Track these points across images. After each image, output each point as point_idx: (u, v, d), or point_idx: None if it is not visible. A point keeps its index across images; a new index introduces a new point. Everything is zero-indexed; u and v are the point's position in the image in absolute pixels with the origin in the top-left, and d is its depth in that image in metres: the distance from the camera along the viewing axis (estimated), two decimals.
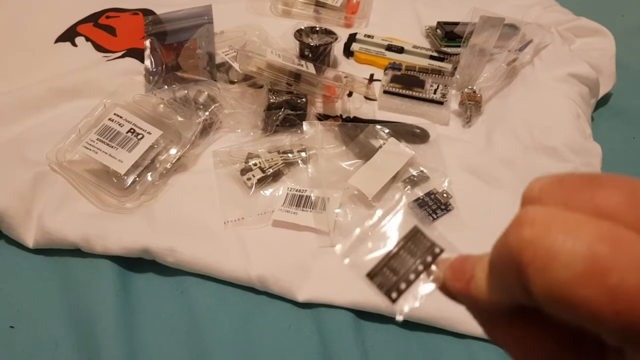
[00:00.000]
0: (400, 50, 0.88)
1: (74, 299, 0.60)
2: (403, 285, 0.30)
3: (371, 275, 0.31)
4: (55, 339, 0.57)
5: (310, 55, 0.82)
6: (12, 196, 0.64)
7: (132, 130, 0.68)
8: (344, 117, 0.77)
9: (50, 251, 0.63)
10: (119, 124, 0.68)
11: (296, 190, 0.68)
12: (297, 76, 0.75)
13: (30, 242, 0.63)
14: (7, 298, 0.60)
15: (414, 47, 0.89)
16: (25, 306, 0.59)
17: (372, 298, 0.59)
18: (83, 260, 0.62)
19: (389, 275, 0.30)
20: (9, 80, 0.79)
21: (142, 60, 0.83)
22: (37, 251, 0.63)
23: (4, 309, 0.59)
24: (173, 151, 0.68)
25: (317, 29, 0.86)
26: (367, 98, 0.81)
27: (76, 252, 0.63)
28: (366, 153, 0.71)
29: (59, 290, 0.60)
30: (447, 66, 0.85)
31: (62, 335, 0.57)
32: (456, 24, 0.88)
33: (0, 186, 0.65)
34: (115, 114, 0.68)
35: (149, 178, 0.66)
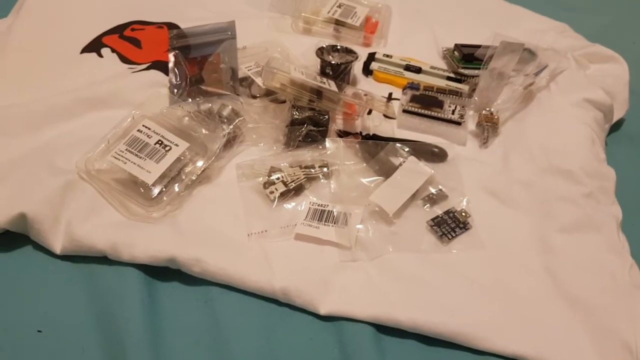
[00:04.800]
0: (418, 70, 0.90)
1: (100, 306, 0.61)
2: None
3: None
4: (81, 344, 0.58)
5: (331, 73, 0.84)
6: (42, 203, 0.65)
7: (160, 142, 0.69)
8: (363, 134, 0.78)
9: (76, 258, 0.65)
10: (148, 136, 0.69)
11: (318, 205, 0.69)
12: (318, 93, 0.76)
13: (57, 249, 0.64)
14: (35, 303, 0.61)
15: (432, 67, 0.91)
16: (52, 311, 0.60)
17: (392, 313, 0.60)
18: (109, 268, 0.64)
19: None
20: (37, 89, 0.80)
21: (166, 73, 0.84)
22: (64, 258, 0.65)
23: (32, 313, 0.60)
24: (199, 163, 0.70)
25: (338, 47, 0.87)
26: (386, 116, 0.82)
27: (103, 259, 0.64)
28: (386, 170, 0.73)
29: (85, 297, 0.62)
30: (464, 87, 0.87)
31: (88, 340, 0.58)
32: (472, 46, 0.90)
33: (30, 192, 0.66)
34: (144, 126, 0.70)
35: (176, 189, 0.67)
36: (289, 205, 0.70)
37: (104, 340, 0.58)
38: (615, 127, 0.90)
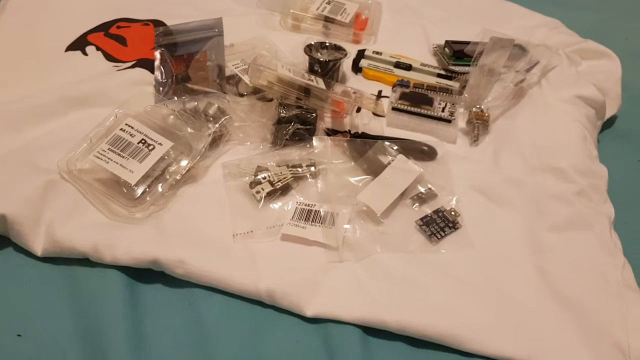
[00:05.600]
0: (408, 67, 0.89)
1: (82, 309, 0.59)
2: None
3: None
4: (62, 348, 0.56)
5: (319, 70, 0.83)
6: (22, 203, 0.64)
7: (143, 141, 0.68)
8: (352, 132, 0.77)
9: (58, 260, 0.63)
10: (130, 135, 0.68)
11: (305, 205, 0.68)
12: (306, 91, 0.75)
13: (39, 250, 0.63)
14: (14, 306, 0.60)
15: (422, 64, 0.90)
16: (33, 315, 0.59)
17: (380, 315, 0.59)
18: (92, 270, 0.62)
19: None
20: (20, 88, 0.79)
21: (152, 71, 0.83)
22: (46, 259, 0.63)
23: (12, 317, 0.59)
24: (184, 163, 0.68)
25: (327, 44, 0.86)
26: (375, 114, 0.81)
27: (85, 261, 0.63)
28: (375, 169, 0.71)
29: (67, 300, 0.60)
30: (454, 85, 0.86)
31: (69, 344, 0.57)
32: (463, 42, 0.89)
33: (10, 193, 0.65)
34: (126, 124, 0.69)
35: (160, 189, 0.66)
36: (276, 205, 0.69)
37: (86, 344, 0.57)
38: (608, 124, 0.89)
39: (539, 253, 0.66)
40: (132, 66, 0.85)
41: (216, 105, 0.75)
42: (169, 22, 0.91)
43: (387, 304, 0.60)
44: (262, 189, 0.68)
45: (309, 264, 0.63)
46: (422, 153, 0.76)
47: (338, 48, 0.86)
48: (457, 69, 0.88)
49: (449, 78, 0.88)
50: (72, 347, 0.57)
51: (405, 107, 0.80)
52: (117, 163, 0.66)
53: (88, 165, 0.67)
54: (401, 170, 0.71)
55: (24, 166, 0.68)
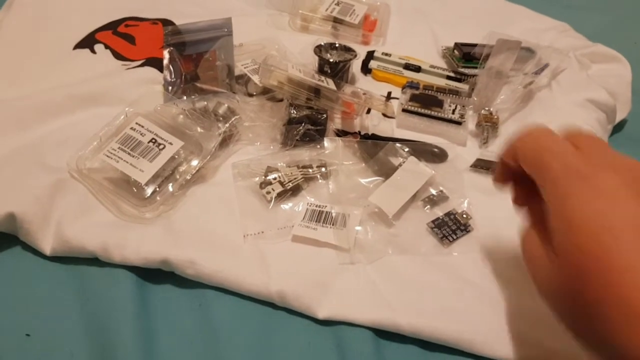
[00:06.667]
0: (417, 69, 0.89)
1: (90, 309, 0.59)
2: None
3: None
4: (70, 348, 0.56)
5: (329, 71, 0.82)
6: (31, 201, 0.63)
7: (153, 140, 0.67)
8: (362, 133, 0.77)
9: (67, 259, 0.63)
10: (141, 134, 0.68)
11: (316, 206, 0.67)
12: (317, 91, 0.75)
13: (47, 249, 0.62)
14: (23, 305, 0.59)
15: (431, 66, 0.90)
16: (41, 314, 0.58)
17: (392, 317, 0.58)
18: (101, 270, 0.62)
19: None
20: (27, 85, 0.78)
21: (161, 70, 0.82)
22: (54, 259, 0.63)
23: (20, 316, 0.58)
24: (194, 162, 0.68)
25: (337, 45, 0.86)
26: (385, 115, 0.81)
27: (94, 261, 0.62)
28: (386, 171, 0.71)
29: (75, 299, 0.60)
30: (464, 87, 0.86)
31: (77, 345, 0.56)
32: (474, 45, 0.88)
33: (19, 191, 0.64)
34: (137, 123, 0.68)
35: (170, 189, 0.65)
36: (286, 206, 0.68)
37: (94, 344, 0.56)
38: (617, 127, 0.89)
39: None
40: (141, 65, 0.84)
41: (226, 105, 0.75)
42: (177, 22, 0.91)
43: (399, 307, 0.59)
44: (273, 190, 0.68)
45: (320, 266, 0.62)
46: (433, 155, 0.75)
47: (347, 49, 0.86)
48: (466, 71, 0.87)
49: (459, 80, 0.88)
50: (81, 347, 0.56)
51: (415, 108, 0.80)
52: (127, 162, 0.65)
53: (98, 164, 0.67)
54: (412, 172, 0.71)
55: (33, 164, 0.67)
